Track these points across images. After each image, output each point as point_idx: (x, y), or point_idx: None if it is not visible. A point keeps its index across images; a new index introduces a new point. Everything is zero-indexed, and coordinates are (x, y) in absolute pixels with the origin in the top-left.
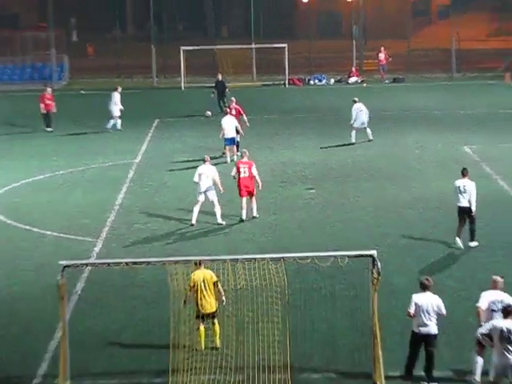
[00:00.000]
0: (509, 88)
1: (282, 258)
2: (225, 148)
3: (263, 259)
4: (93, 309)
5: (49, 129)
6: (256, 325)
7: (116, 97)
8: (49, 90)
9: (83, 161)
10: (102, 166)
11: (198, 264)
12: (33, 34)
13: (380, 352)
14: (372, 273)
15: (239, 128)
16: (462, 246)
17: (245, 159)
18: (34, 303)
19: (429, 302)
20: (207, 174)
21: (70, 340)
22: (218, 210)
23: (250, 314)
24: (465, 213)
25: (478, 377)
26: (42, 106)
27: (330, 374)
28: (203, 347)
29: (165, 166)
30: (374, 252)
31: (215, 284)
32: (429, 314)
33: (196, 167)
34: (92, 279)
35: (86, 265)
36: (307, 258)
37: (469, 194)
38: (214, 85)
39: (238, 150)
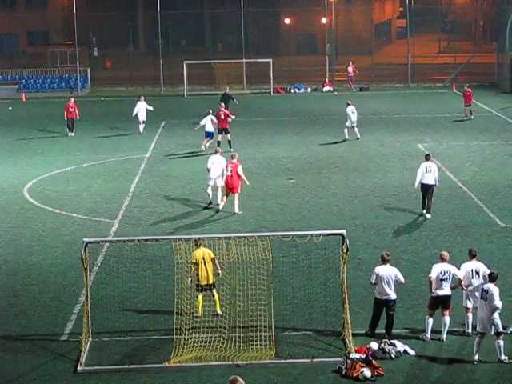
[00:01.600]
0: (455, 96)
1: (268, 236)
2: (205, 138)
3: (252, 237)
4: (110, 278)
5: (71, 133)
6: (246, 291)
7: (139, 105)
8: (72, 99)
9: (103, 155)
10: (119, 159)
11: (198, 245)
12: (61, 50)
13: (348, 314)
14: (342, 249)
15: (216, 125)
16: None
17: (234, 160)
18: (62, 274)
19: (388, 272)
20: (218, 164)
21: (91, 304)
22: (219, 194)
23: (241, 283)
24: (428, 189)
25: (428, 334)
26: (66, 113)
27: (307, 333)
28: (200, 313)
29: (170, 159)
30: (343, 231)
31: (213, 260)
32: (388, 283)
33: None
34: (110, 254)
35: (105, 241)
36: (288, 236)
37: (433, 173)
38: (220, 96)
39: (230, 147)
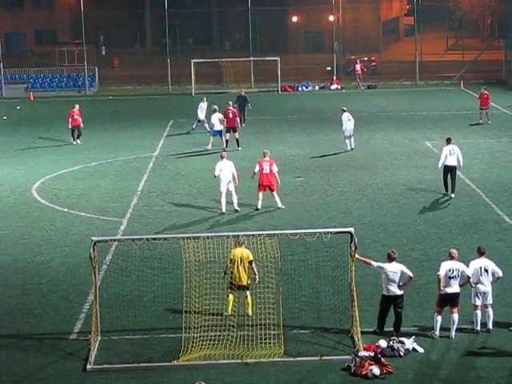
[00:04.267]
0: (463, 93)
1: (276, 234)
2: (210, 137)
3: (260, 235)
4: (119, 277)
5: (76, 142)
6: (254, 290)
7: (202, 106)
8: (77, 106)
9: (111, 154)
10: (127, 158)
11: (240, 244)
12: (68, 49)
13: (357, 312)
14: (350, 246)
15: (224, 122)
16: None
17: (266, 158)
18: (70, 273)
19: (395, 269)
20: (227, 170)
21: (100, 303)
22: (235, 199)
23: (249, 281)
24: (451, 170)
25: (437, 332)
26: (71, 121)
27: (316, 331)
28: (230, 312)
29: (178, 158)
30: (351, 229)
31: (250, 262)
32: (394, 280)
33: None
34: (118, 252)
35: (114, 240)
36: (296, 234)
37: (456, 155)
38: (235, 99)
39: (238, 146)
